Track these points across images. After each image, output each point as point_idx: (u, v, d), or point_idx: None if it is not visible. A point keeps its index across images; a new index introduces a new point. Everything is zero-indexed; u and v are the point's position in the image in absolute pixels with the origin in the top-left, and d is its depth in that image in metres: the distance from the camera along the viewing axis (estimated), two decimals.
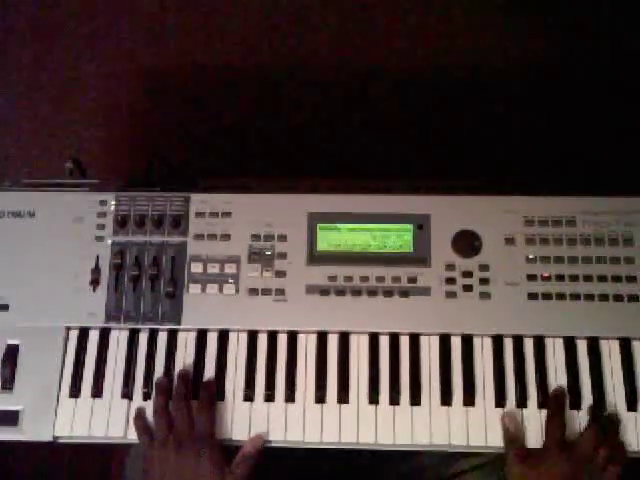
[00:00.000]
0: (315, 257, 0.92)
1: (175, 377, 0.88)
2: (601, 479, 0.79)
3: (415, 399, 0.86)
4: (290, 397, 0.87)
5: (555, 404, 0.84)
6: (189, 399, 0.86)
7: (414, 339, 0.89)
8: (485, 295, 0.89)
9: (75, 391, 0.88)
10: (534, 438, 0.84)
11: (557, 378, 0.87)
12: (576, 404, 0.86)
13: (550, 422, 0.83)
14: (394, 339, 0.89)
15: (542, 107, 1.60)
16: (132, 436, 0.87)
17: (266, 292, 0.90)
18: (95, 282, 0.91)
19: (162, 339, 0.91)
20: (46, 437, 0.86)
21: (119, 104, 1.67)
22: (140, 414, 0.87)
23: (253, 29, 1.70)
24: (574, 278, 0.89)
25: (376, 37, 1.68)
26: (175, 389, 0.87)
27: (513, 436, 0.83)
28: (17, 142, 1.65)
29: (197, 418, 0.84)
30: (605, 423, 0.83)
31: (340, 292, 0.90)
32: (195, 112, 1.65)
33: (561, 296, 0.88)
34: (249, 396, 0.87)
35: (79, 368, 0.89)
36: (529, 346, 0.88)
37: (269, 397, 0.87)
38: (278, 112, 1.64)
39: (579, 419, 0.85)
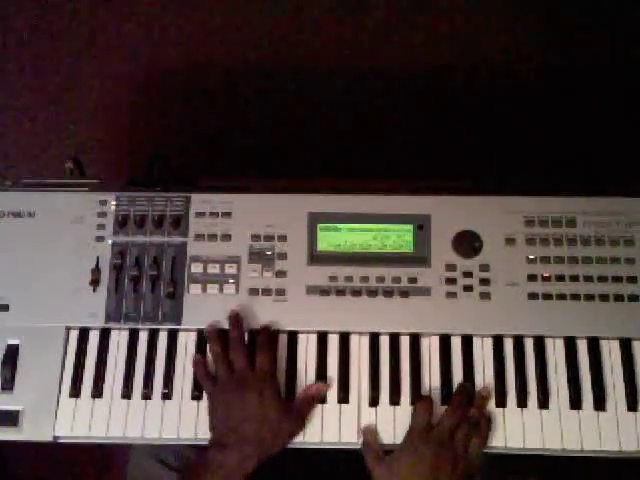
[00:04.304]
0: (315, 257, 0.92)
1: (228, 321, 0.88)
2: (466, 457, 0.80)
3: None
4: (290, 397, 0.87)
5: (420, 399, 0.85)
6: (244, 341, 0.87)
7: (414, 339, 0.89)
8: (485, 295, 0.89)
9: (75, 391, 0.88)
10: (534, 438, 0.84)
11: (557, 378, 0.87)
12: (577, 404, 0.85)
13: (415, 409, 0.84)
14: (394, 339, 0.89)
15: (542, 107, 1.60)
16: (132, 435, 0.87)
17: (266, 292, 0.90)
18: (95, 282, 0.91)
19: (162, 339, 0.91)
20: (46, 437, 0.86)
21: (119, 104, 1.66)
22: (199, 361, 0.87)
23: (253, 29, 1.70)
24: (574, 278, 0.89)
25: (376, 37, 1.68)
26: (230, 334, 0.87)
27: (368, 441, 0.84)
28: (17, 142, 1.65)
29: (257, 358, 0.85)
30: (469, 395, 0.85)
31: (340, 292, 0.90)
32: (195, 112, 1.65)
33: (561, 296, 0.89)
34: None
35: (79, 368, 0.89)
36: (529, 346, 0.88)
37: None
38: (278, 112, 1.64)
39: (579, 419, 0.85)
